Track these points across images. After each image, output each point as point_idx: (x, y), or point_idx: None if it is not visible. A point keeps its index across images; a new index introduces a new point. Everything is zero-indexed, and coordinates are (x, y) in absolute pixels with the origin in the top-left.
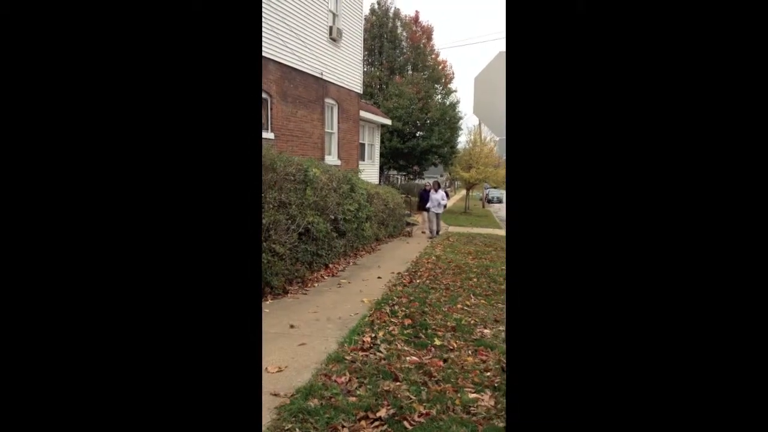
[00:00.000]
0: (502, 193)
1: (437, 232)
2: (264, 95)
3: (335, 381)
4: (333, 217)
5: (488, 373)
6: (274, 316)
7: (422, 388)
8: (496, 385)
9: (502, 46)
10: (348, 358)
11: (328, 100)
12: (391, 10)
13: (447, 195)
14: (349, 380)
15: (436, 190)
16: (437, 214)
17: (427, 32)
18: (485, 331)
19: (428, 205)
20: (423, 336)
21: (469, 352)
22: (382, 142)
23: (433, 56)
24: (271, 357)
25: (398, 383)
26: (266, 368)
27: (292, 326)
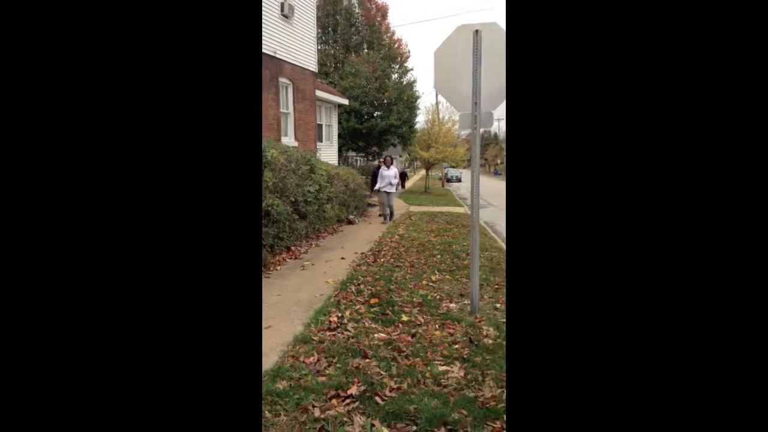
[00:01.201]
0: (460, 173)
1: (390, 216)
2: None
3: (303, 362)
4: (293, 199)
5: (456, 346)
6: None
7: (392, 363)
8: (465, 357)
9: (459, 23)
10: (315, 338)
11: (282, 80)
12: None
13: (404, 175)
14: (318, 360)
15: (388, 167)
16: (388, 194)
17: (382, 10)
18: (451, 305)
19: (377, 185)
20: (390, 313)
21: (437, 326)
22: (339, 122)
23: (388, 35)
24: None
25: (368, 360)
26: None
27: None
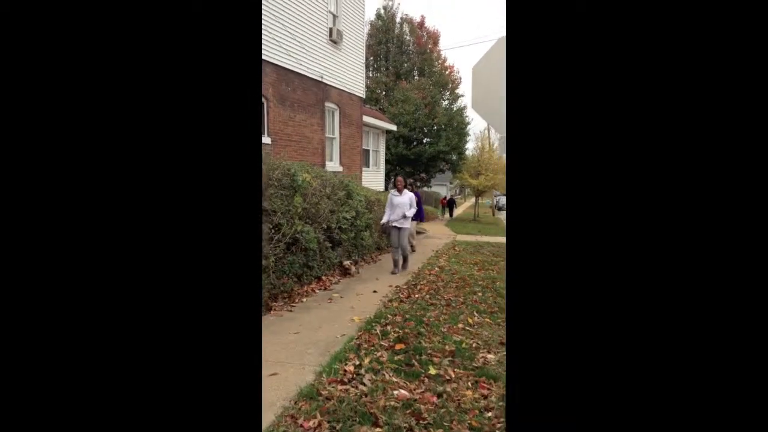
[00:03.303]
0: None
1: (404, 263)
2: None
3: (301, 426)
4: (326, 226)
5: (489, 414)
6: None
7: None
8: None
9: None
10: (324, 393)
11: (328, 104)
12: (398, 16)
13: (452, 202)
14: (319, 425)
15: (399, 192)
16: (400, 231)
17: (434, 37)
18: (489, 356)
19: (384, 218)
20: (416, 363)
21: (469, 383)
22: (387, 148)
23: (440, 62)
24: None
25: (377, 429)
26: None
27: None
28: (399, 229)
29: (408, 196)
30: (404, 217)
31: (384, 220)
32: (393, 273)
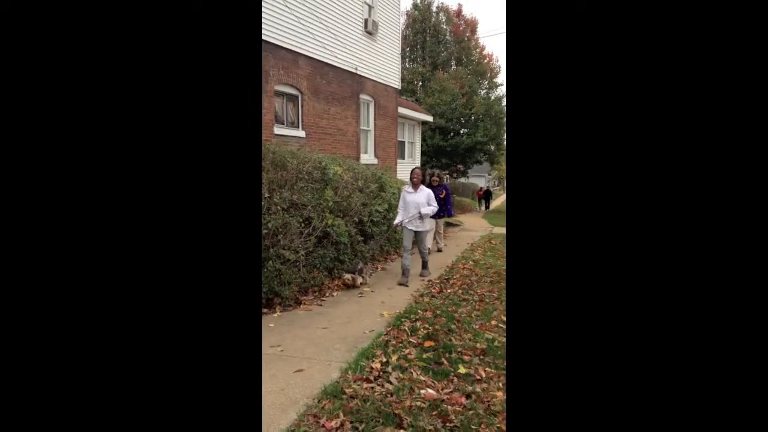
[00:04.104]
0: None
1: (424, 267)
2: (294, 92)
3: (323, 426)
4: (358, 219)
5: None
6: (277, 333)
7: None
8: None
9: None
10: (348, 391)
11: (363, 97)
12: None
13: (489, 193)
14: (341, 425)
15: (415, 187)
16: (417, 234)
17: (471, 25)
18: None
19: (397, 218)
20: (445, 361)
21: (500, 384)
22: (423, 139)
23: (477, 50)
24: None
25: (401, 431)
26: None
27: (281, 349)
28: (416, 232)
29: (425, 193)
30: (420, 218)
31: (396, 221)
32: (400, 284)
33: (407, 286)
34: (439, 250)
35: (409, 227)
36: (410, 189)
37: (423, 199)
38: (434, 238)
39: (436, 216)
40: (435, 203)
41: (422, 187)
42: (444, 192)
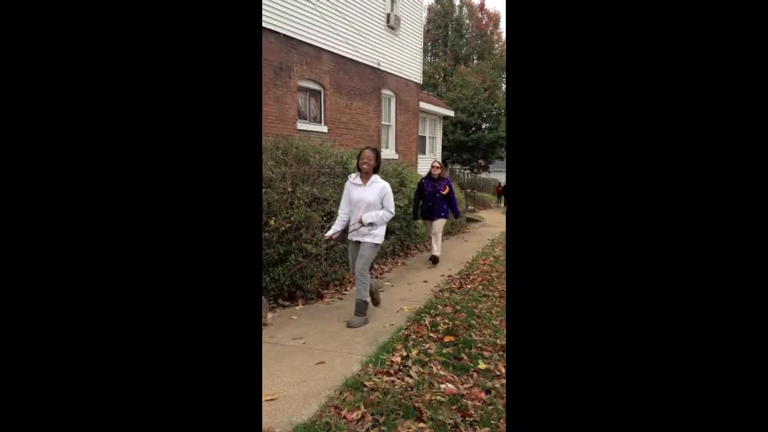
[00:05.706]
0: None
1: (435, 261)
2: (317, 87)
3: (345, 417)
4: None
5: None
6: (298, 325)
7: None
8: None
9: None
10: (368, 384)
11: (385, 92)
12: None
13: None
14: (362, 417)
15: (364, 179)
16: (358, 245)
17: (494, 19)
18: None
19: (332, 229)
20: (465, 357)
21: None
22: (444, 134)
23: (500, 44)
24: (280, 378)
25: (421, 425)
26: (267, 395)
27: (304, 341)
28: (357, 243)
29: (378, 188)
30: (369, 224)
31: (329, 233)
32: (350, 326)
33: (358, 327)
34: (434, 260)
35: (354, 238)
36: (357, 181)
37: (374, 197)
38: (432, 242)
39: (436, 216)
40: (392, 207)
41: (377, 178)
42: (447, 188)
